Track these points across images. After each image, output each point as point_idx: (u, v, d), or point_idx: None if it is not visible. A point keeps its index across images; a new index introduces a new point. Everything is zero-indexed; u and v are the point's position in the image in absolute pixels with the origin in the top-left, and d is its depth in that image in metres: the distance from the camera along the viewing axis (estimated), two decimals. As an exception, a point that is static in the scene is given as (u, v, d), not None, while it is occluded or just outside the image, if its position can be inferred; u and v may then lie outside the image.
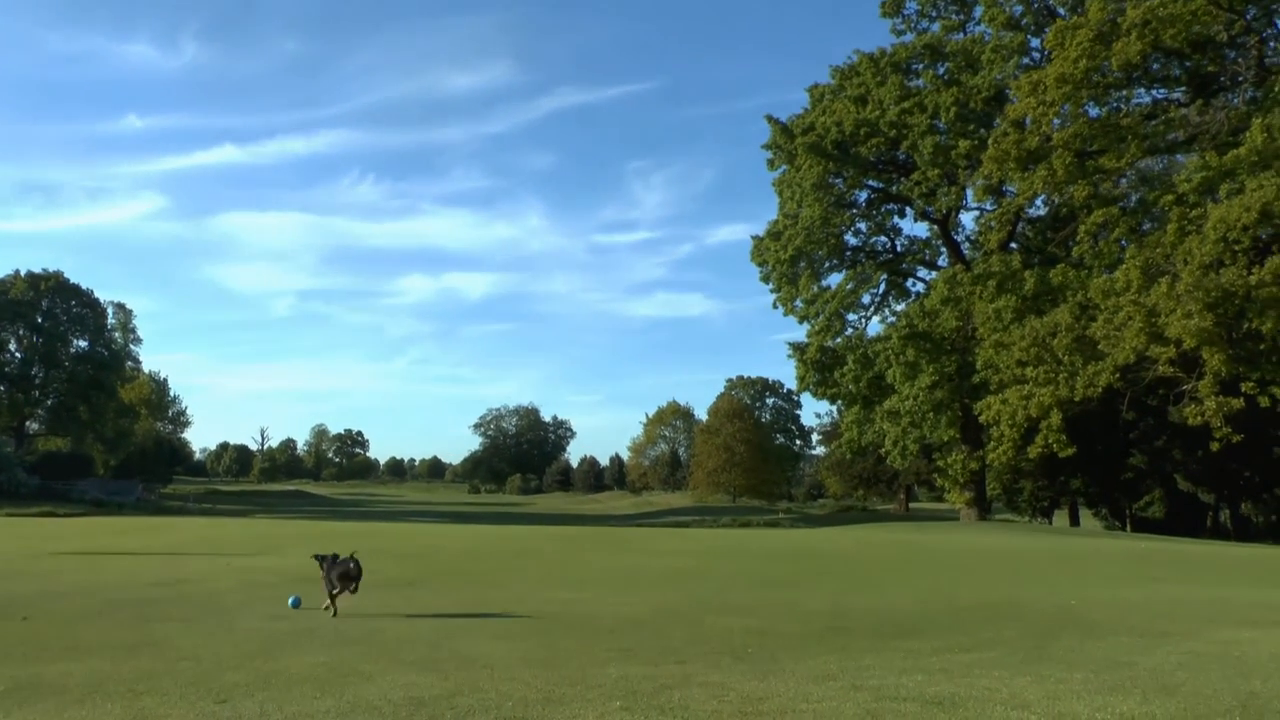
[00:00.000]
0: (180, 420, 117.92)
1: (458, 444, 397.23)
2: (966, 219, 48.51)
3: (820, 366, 47.89)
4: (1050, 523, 58.56)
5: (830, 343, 48.39)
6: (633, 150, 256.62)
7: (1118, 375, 34.18)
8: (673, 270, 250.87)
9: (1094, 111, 37.19)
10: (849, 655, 5.91)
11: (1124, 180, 37.02)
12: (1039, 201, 41.18)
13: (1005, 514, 60.46)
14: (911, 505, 79.04)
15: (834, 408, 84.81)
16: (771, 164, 49.38)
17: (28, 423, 79.18)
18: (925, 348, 42.14)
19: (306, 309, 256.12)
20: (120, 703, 3.79)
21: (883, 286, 51.29)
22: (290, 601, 6.75)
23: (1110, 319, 32.86)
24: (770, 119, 47.56)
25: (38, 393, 78.17)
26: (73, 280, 79.15)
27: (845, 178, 47.13)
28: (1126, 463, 50.37)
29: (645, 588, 8.19)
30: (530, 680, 4.76)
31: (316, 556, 7.15)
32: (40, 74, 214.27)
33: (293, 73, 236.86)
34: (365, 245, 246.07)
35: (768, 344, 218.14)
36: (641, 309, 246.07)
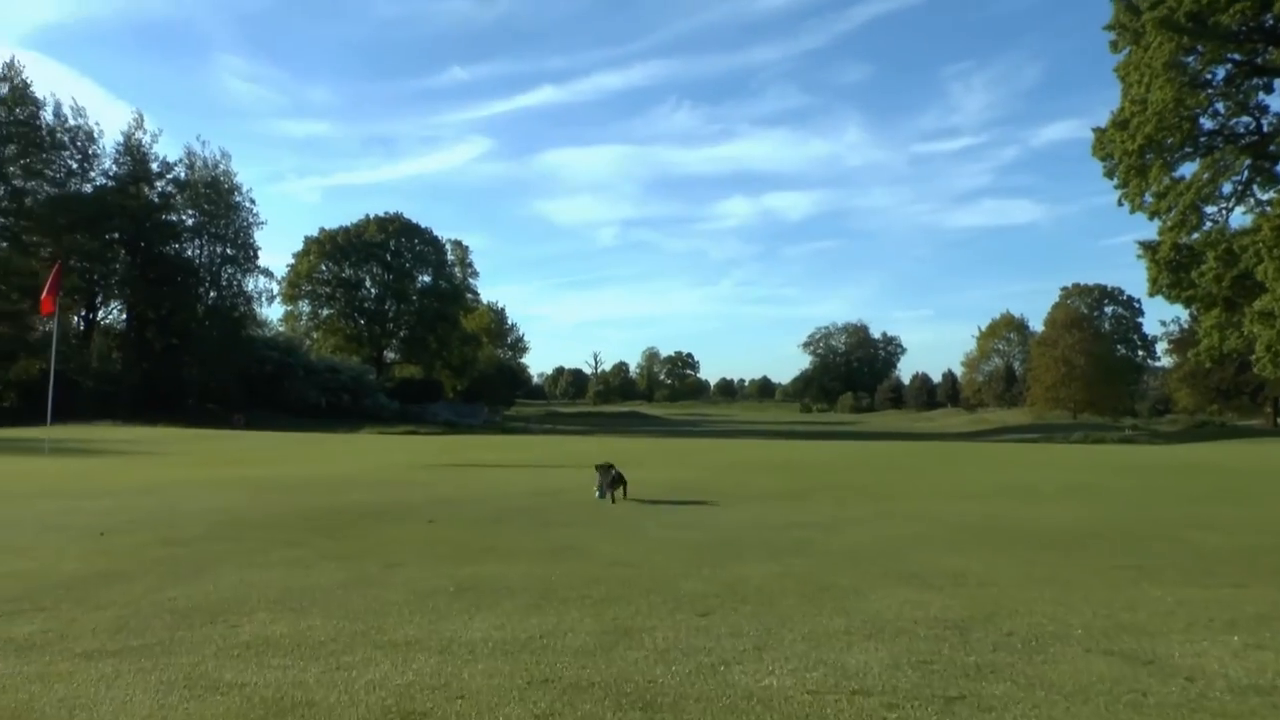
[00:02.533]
0: (519, 347, 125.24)
1: (786, 364, 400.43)
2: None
3: (1175, 266, 43.54)
4: None
5: (1186, 239, 43.85)
6: (950, 53, 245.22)
7: None
8: (998, 176, 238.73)
9: None
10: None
11: None
12: None
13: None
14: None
15: (1185, 314, 78.43)
16: (1115, 46, 44.97)
17: (385, 352, 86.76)
18: (1306, 239, 37.30)
19: (630, 237, 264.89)
20: (585, 610, 3.73)
21: (1245, 174, 45.85)
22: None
23: None
24: (1111, -6, 43.31)
25: (391, 325, 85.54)
26: (413, 221, 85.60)
27: (1201, 53, 42.14)
28: None
29: (1053, 501, 7.41)
30: (1063, 602, 4.09)
31: (597, 466, 8.66)
32: (374, 37, 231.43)
33: (602, 10, 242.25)
34: (684, 172, 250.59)
35: (1103, 249, 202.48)
36: (967, 218, 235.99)
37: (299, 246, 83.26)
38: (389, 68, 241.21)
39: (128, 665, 3.47)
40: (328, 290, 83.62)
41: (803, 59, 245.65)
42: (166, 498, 7.44)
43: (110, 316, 60.89)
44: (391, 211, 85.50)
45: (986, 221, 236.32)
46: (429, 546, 4.63)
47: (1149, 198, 44.86)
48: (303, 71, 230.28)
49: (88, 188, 56.49)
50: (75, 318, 57.80)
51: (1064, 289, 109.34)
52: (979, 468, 10.90)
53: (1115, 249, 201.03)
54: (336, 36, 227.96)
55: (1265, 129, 45.10)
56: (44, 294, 20.94)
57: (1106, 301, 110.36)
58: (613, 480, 8.49)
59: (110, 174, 57.38)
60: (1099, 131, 45.93)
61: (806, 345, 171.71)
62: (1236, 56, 43.13)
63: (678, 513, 6.82)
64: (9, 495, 9.08)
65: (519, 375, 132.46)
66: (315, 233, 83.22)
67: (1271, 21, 41.41)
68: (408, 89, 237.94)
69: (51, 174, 54.45)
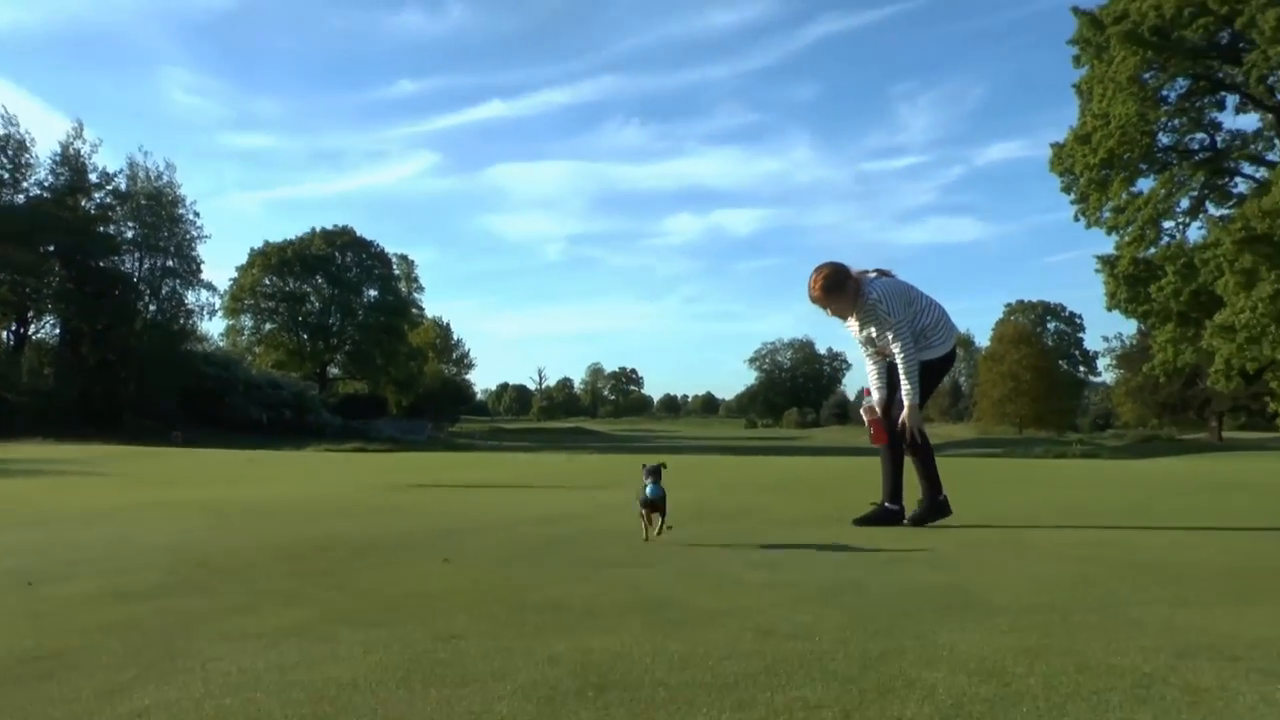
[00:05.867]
0: (464, 363, 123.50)
1: (730, 379, 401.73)
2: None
3: (1133, 281, 43.44)
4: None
5: (1144, 253, 43.82)
6: (897, 73, 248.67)
7: None
8: (942, 194, 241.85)
9: None
10: None
11: None
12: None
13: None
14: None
15: (1129, 329, 78.96)
16: (1077, 60, 44.94)
17: (329, 368, 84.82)
18: (1265, 252, 37.20)
19: (577, 253, 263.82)
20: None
21: (1199, 190, 46.04)
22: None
23: None
24: (1077, 10, 43.21)
25: (335, 340, 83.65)
26: (360, 235, 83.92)
27: (1161, 69, 42.19)
28: None
29: (1158, 530, 6.43)
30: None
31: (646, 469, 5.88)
32: (322, 49, 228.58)
33: (553, 25, 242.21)
34: (632, 188, 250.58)
35: (1045, 266, 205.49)
36: (912, 236, 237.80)
37: (242, 260, 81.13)
38: (337, 80, 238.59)
39: None
40: (271, 304, 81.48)
41: (752, 77, 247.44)
42: (111, 528, 6.15)
43: (43, 331, 58.44)
44: (338, 225, 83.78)
45: (932, 239, 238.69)
46: (470, 600, 3.46)
47: (1107, 212, 44.83)
48: (249, 83, 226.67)
49: (20, 199, 54.06)
50: (5, 333, 55.47)
51: (1008, 305, 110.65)
52: (1003, 487, 9.86)
53: (1057, 266, 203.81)
54: (284, 48, 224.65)
55: (1219, 145, 45.34)
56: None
57: (1049, 318, 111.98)
58: (648, 502, 5.52)
59: (45, 185, 54.85)
60: (1057, 147, 45.81)
61: (752, 361, 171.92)
62: (1195, 73, 43.26)
63: (739, 544, 5.49)
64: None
65: (464, 391, 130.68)
66: (259, 245, 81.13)
67: (1228, 38, 41.58)
68: (355, 102, 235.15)
69: (-21, 185, 52.02)
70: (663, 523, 5.39)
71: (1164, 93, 43.89)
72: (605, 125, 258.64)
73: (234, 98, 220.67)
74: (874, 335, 6.25)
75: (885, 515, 6.30)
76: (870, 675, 2.48)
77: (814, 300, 6.28)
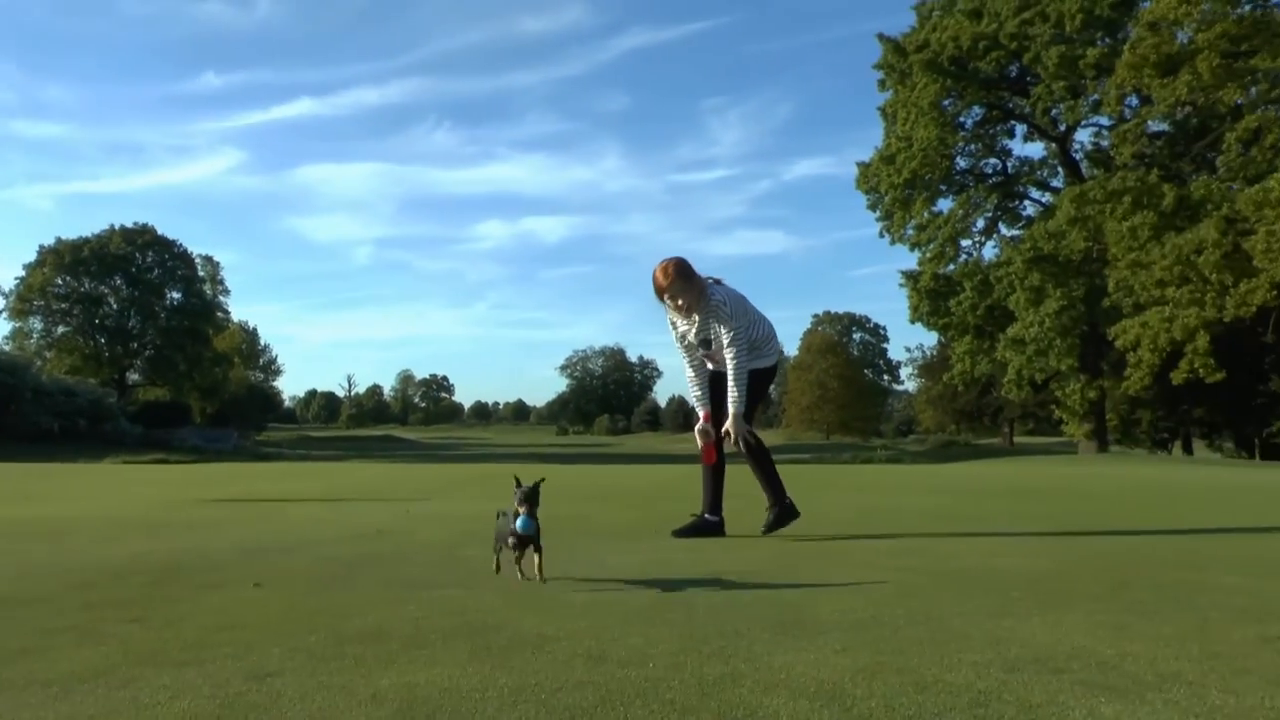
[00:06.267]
0: (271, 369, 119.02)
1: (541, 386, 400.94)
2: (1083, 136, 45.70)
3: (934, 295, 45.72)
4: (1169, 454, 55.95)
5: (944, 270, 46.18)
6: (708, 87, 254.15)
7: (1275, 293, 31.74)
8: (751, 207, 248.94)
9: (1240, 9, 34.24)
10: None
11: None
12: (1160, 116, 38.36)
13: (1119, 446, 57.85)
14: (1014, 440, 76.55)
15: (930, 341, 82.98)
16: (882, 85, 46.99)
17: (128, 373, 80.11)
18: (1051, 271, 39.79)
19: (386, 257, 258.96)
20: None
21: (993, 211, 48.94)
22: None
23: (1273, 230, 30.32)
24: (882, 37, 45.34)
25: (135, 344, 79.01)
26: (163, 234, 79.56)
27: (959, 96, 44.63)
28: (1259, 389, 47.57)
29: (916, 525, 6.69)
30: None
31: (521, 490, 4.78)
32: (120, 36, 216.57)
33: (364, 23, 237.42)
34: (442, 192, 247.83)
35: (850, 279, 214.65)
36: (722, 247, 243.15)
37: (30, 258, 75.50)
38: (136, 70, 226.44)
39: None
40: (64, 306, 75.95)
41: (563, 85, 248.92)
42: None
43: None
44: (139, 223, 79.14)
45: (741, 250, 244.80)
46: (284, 631, 3.23)
47: (910, 230, 47.00)
48: (37, 67, 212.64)
49: None
50: None
51: (815, 316, 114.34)
52: (815, 493, 10.04)
53: (861, 279, 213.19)
54: (76, 31, 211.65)
55: (1010, 170, 48.26)
56: None
57: (855, 328, 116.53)
58: (517, 538, 4.20)
59: None
60: (863, 166, 47.80)
61: (563, 368, 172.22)
62: (988, 102, 45.89)
63: (561, 559, 5.20)
64: None
65: (271, 398, 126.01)
66: (51, 243, 75.70)
67: (1017, 72, 44.31)
68: (157, 94, 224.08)
69: None
70: (541, 558, 4.19)
71: (961, 119, 46.51)
72: (415, 128, 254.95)
73: (18, 81, 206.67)
74: (716, 337, 6.16)
75: (705, 526, 6.28)
76: (710, 703, 2.41)
77: (663, 287, 6.13)
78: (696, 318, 6.20)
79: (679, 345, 6.43)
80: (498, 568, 4.45)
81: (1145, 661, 2.81)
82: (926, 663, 2.79)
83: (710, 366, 6.40)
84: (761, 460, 6.32)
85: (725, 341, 6.10)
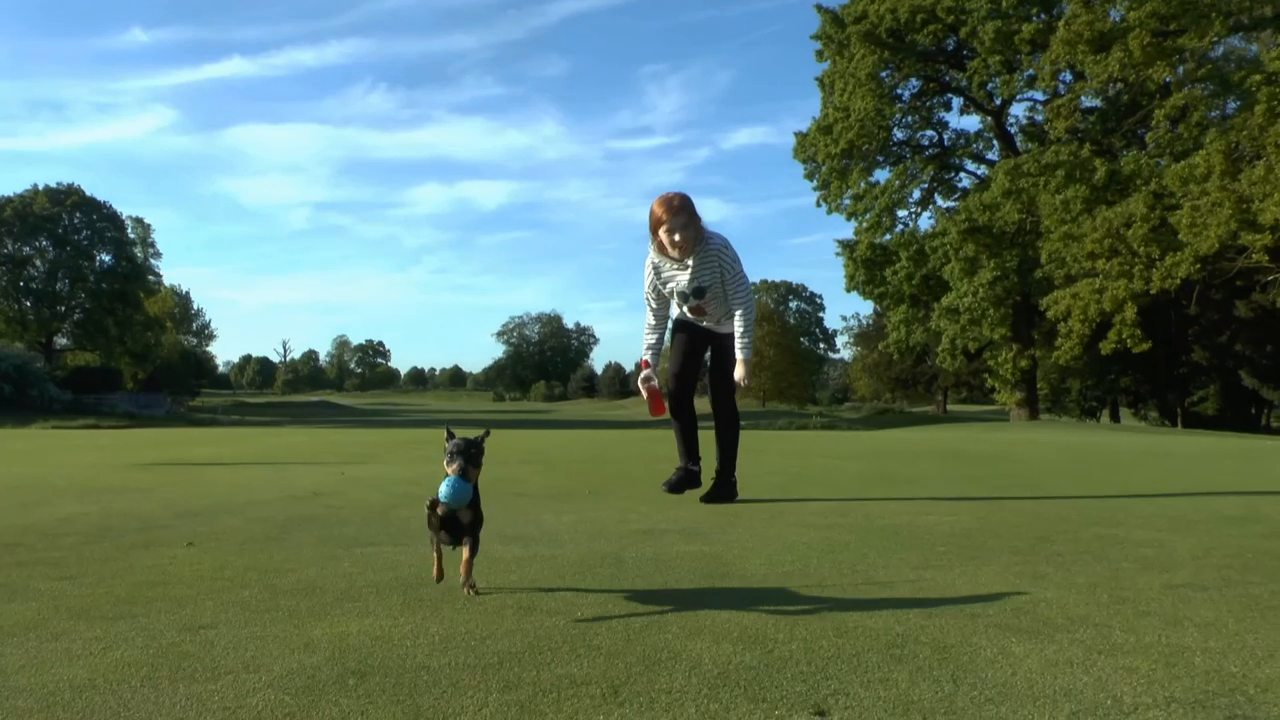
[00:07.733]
0: (204, 334, 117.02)
1: (478, 353, 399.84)
2: (1017, 110, 46.34)
3: (870, 264, 46.19)
4: (1097, 421, 57.39)
5: (880, 239, 46.65)
6: (647, 54, 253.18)
7: (1198, 266, 32.60)
8: (690, 175, 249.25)
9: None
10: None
11: (1213, 56, 34.84)
12: (1093, 91, 39.10)
13: (1049, 414, 59.16)
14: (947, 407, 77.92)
15: (866, 310, 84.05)
16: (820, 55, 47.12)
17: (56, 338, 78.24)
18: (985, 242, 40.42)
19: (322, 221, 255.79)
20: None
21: (929, 182, 49.47)
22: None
23: (1196, 206, 31.10)
24: (820, 8, 45.39)
25: (63, 308, 77.13)
26: (91, 195, 77.54)
27: (896, 68, 44.93)
28: (1182, 359, 48.98)
29: (848, 488, 6.84)
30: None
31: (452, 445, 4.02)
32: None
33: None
34: (378, 156, 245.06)
35: (788, 248, 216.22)
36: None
37: (-53, 218, 73.27)
38: (58, 23, 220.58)
39: None
40: (-13, 268, 74.08)
41: (501, 49, 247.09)
42: None
43: None
44: (65, 182, 77.04)
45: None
46: (217, 586, 3.25)
47: (847, 200, 47.35)
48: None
49: None
50: None
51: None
52: (750, 459, 10.16)
53: (798, 248, 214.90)
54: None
55: (946, 143, 48.75)
56: None
57: (791, 297, 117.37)
58: (445, 516, 3.15)
59: None
60: (800, 136, 47.99)
61: (500, 334, 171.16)
62: (925, 74, 46.27)
63: (492, 518, 5.21)
64: None
65: (205, 364, 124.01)
66: (-31, 202, 73.49)
67: (954, 45, 44.70)
68: (81, 48, 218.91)
69: None
70: (471, 556, 3.14)
71: (899, 91, 46.83)
72: (351, 89, 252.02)
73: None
74: (713, 284, 5.90)
75: (688, 477, 6.23)
76: (634, 648, 2.49)
77: (663, 220, 5.67)
78: (691, 262, 5.85)
79: (650, 294, 6.09)
80: (439, 575, 3.21)
81: (1057, 607, 2.97)
82: (848, 610, 2.91)
83: (691, 318, 6.16)
84: (730, 427, 6.29)
85: (735, 286, 5.92)
